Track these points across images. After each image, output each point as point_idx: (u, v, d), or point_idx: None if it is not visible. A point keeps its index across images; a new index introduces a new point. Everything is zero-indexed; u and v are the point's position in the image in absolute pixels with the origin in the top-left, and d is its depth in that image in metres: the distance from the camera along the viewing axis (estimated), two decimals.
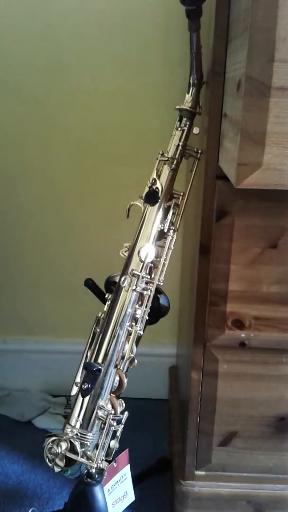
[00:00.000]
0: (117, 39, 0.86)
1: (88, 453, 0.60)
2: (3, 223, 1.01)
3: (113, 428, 0.61)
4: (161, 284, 0.62)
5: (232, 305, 0.62)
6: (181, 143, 0.60)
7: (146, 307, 0.61)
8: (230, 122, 0.50)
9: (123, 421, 0.63)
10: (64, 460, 0.60)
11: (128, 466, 0.68)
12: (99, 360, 0.61)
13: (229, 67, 0.52)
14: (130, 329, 0.61)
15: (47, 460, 0.61)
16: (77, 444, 0.60)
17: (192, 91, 0.59)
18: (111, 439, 0.62)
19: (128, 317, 0.61)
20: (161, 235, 0.62)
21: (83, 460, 0.60)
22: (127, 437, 0.67)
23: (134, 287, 0.60)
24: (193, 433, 0.71)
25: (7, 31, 0.86)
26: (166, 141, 0.61)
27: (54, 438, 0.61)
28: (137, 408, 0.92)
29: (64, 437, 0.60)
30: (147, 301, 0.61)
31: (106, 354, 0.61)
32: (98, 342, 0.62)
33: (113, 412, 0.61)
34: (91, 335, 0.64)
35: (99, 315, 0.64)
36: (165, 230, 0.61)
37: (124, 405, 0.64)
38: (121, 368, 0.61)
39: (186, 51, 0.55)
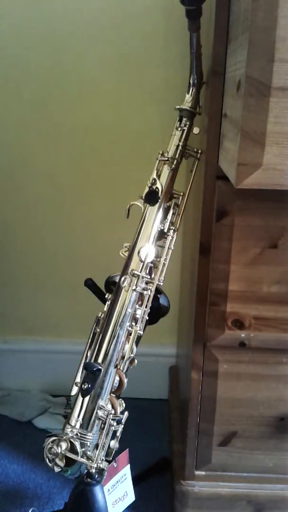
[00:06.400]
0: (117, 39, 0.86)
1: (88, 453, 0.60)
2: (3, 223, 1.01)
3: (113, 428, 0.61)
4: (161, 284, 0.62)
5: (232, 305, 0.62)
6: (181, 143, 0.60)
7: (146, 307, 0.61)
8: (230, 122, 0.50)
9: (123, 421, 0.63)
10: (64, 460, 0.60)
11: (128, 466, 0.68)
12: (99, 360, 0.61)
13: (229, 67, 0.52)
14: (130, 329, 0.61)
15: (47, 460, 0.61)
16: (77, 444, 0.60)
17: (192, 91, 0.59)
18: (111, 439, 0.62)
19: (128, 317, 0.61)
20: (161, 235, 0.62)
21: (83, 460, 0.60)
22: (127, 437, 0.67)
23: (134, 287, 0.60)
24: (193, 433, 0.71)
25: (7, 31, 0.86)
26: (166, 141, 0.61)
27: (54, 438, 0.61)
28: (137, 408, 0.92)
29: (64, 437, 0.60)
30: (147, 301, 0.61)
31: (106, 354, 0.61)
32: (98, 342, 0.62)
33: (113, 412, 0.61)
34: (91, 335, 0.64)
35: (99, 315, 0.64)
36: (165, 230, 0.61)
37: (124, 405, 0.64)
38: (121, 368, 0.61)
39: (186, 51, 0.55)
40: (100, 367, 0.60)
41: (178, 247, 0.94)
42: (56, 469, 0.61)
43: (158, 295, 0.65)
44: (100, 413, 0.60)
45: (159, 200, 0.60)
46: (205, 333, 0.64)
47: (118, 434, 0.62)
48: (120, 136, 0.92)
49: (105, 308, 0.63)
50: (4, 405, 1.06)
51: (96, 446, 0.61)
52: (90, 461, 0.60)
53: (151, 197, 0.60)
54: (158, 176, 0.61)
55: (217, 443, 0.71)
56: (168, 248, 0.62)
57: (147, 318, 0.62)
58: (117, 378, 0.62)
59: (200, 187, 0.61)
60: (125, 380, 0.62)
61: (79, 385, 0.61)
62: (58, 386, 1.08)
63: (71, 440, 0.60)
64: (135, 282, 0.60)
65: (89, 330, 0.64)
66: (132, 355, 0.62)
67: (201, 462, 0.72)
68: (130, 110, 0.90)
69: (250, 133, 0.43)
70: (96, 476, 0.62)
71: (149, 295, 0.61)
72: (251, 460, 0.71)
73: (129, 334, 0.62)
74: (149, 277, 0.61)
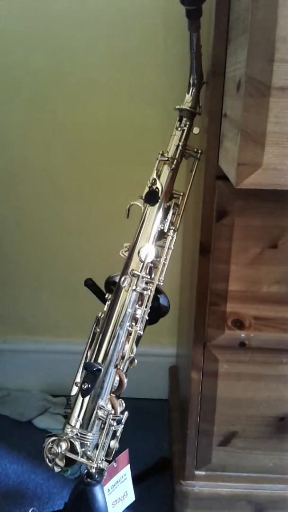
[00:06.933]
0: (117, 39, 0.86)
1: (88, 453, 0.60)
2: (3, 223, 1.01)
3: (113, 428, 0.61)
4: (161, 284, 0.62)
5: (232, 305, 0.62)
6: (181, 143, 0.60)
7: (146, 307, 0.61)
8: (230, 122, 0.50)
9: (123, 421, 0.63)
10: (64, 460, 0.60)
11: (128, 466, 0.68)
12: (99, 360, 0.61)
13: (229, 67, 0.52)
14: (130, 329, 0.61)
15: (47, 460, 0.61)
16: (77, 444, 0.60)
17: (192, 91, 0.59)
18: (111, 439, 0.62)
19: (128, 317, 0.61)
20: (161, 235, 0.62)
21: (83, 460, 0.60)
22: (127, 437, 0.67)
23: (134, 287, 0.60)
24: (193, 433, 0.71)
25: (7, 31, 0.86)
26: (166, 141, 0.61)
27: (54, 438, 0.61)
28: (137, 408, 0.92)
29: (64, 437, 0.60)
30: (147, 301, 0.61)
31: (106, 354, 0.61)
32: (98, 342, 0.62)
33: (113, 412, 0.61)
34: (91, 335, 0.64)
35: (99, 315, 0.64)
36: (165, 230, 0.61)
37: (124, 405, 0.64)
38: (121, 368, 0.61)
39: (186, 51, 0.55)
40: (100, 367, 0.60)
41: (178, 247, 0.94)
42: (56, 469, 0.61)
43: (158, 295, 0.65)
44: (100, 413, 0.60)
45: (159, 200, 0.60)
46: (205, 333, 0.64)
47: (118, 434, 0.62)
48: (120, 136, 0.92)
49: (105, 308, 0.63)
50: (4, 405, 1.06)
51: (96, 446, 0.61)
52: (90, 461, 0.60)
53: (151, 197, 0.60)
54: (158, 176, 0.61)
55: (217, 443, 0.71)
56: (168, 248, 0.62)
57: (147, 318, 0.62)
58: (117, 378, 0.62)
59: (200, 187, 0.61)
60: (125, 380, 0.62)
61: (79, 385, 0.61)
62: (58, 386, 1.08)
63: (71, 440, 0.60)
64: (135, 282, 0.60)
65: (89, 330, 0.64)
66: (132, 355, 0.62)
67: (201, 462, 0.72)
68: (130, 110, 0.90)
69: (250, 133, 0.43)
70: (96, 476, 0.62)
71: (149, 295, 0.61)
72: (251, 460, 0.71)
73: (129, 334, 0.62)
74: (149, 277, 0.61)
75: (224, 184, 0.57)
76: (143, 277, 0.60)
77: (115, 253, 0.62)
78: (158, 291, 0.64)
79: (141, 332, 0.62)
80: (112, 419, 0.61)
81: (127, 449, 0.68)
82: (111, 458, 0.63)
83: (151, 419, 1.02)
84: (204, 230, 0.61)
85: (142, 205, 0.61)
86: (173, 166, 0.60)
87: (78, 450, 0.60)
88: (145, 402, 1.06)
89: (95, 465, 0.60)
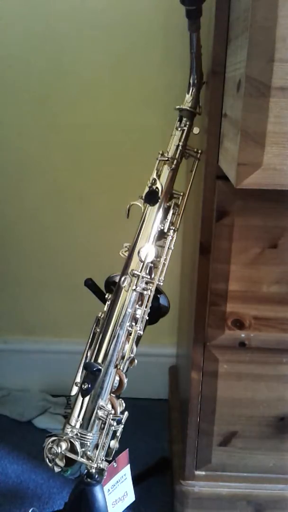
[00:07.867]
0: (117, 39, 0.86)
1: (88, 453, 0.60)
2: (3, 223, 1.01)
3: (113, 428, 0.61)
4: (161, 284, 0.62)
5: (232, 305, 0.62)
6: (181, 143, 0.60)
7: (146, 307, 0.61)
8: (230, 122, 0.50)
9: (123, 421, 0.63)
10: (64, 460, 0.60)
11: (128, 466, 0.68)
12: (99, 360, 0.61)
13: (229, 67, 0.52)
14: (130, 329, 0.61)
15: (47, 460, 0.61)
16: (77, 444, 0.60)
17: (192, 91, 0.59)
18: (111, 439, 0.62)
19: (128, 317, 0.61)
20: (161, 235, 0.62)
21: (83, 460, 0.60)
22: (127, 437, 0.67)
23: (134, 287, 0.60)
24: (193, 433, 0.71)
25: (7, 31, 0.86)
26: (166, 141, 0.61)
27: (54, 438, 0.61)
28: (137, 408, 0.92)
29: (64, 437, 0.60)
30: (147, 301, 0.61)
31: (106, 354, 0.61)
32: (98, 342, 0.62)
33: (113, 412, 0.61)
34: (91, 335, 0.64)
35: (99, 315, 0.64)
36: (165, 230, 0.61)
37: (124, 405, 0.64)
38: (121, 368, 0.61)
39: (186, 51, 0.55)
40: (100, 367, 0.60)
41: (178, 247, 0.94)
42: (56, 469, 0.61)
43: (158, 295, 0.65)
44: (100, 413, 0.60)
45: (159, 200, 0.60)
46: (205, 333, 0.64)
47: (118, 434, 0.62)
48: (120, 136, 0.92)
49: (105, 308, 0.63)
50: (4, 405, 1.06)
51: (96, 446, 0.61)
52: (90, 461, 0.60)
53: (151, 197, 0.60)
54: (158, 176, 0.61)
55: (217, 443, 0.71)
56: (168, 248, 0.62)
57: (147, 318, 0.62)
58: (117, 378, 0.62)
59: (200, 187, 0.61)
60: (125, 380, 0.62)
61: (79, 385, 0.61)
62: (58, 386, 1.08)
63: (71, 440, 0.60)
64: (135, 282, 0.60)
65: (89, 330, 0.64)
66: (132, 355, 0.62)
67: (201, 462, 0.72)
68: (130, 110, 0.90)
69: (250, 133, 0.43)
70: (96, 476, 0.62)
71: (149, 295, 0.61)
72: (251, 460, 0.71)
73: (129, 334, 0.62)
74: (149, 277, 0.61)
75: (224, 184, 0.57)
76: (143, 277, 0.60)
77: (115, 253, 0.62)
78: (158, 291, 0.64)
79: (141, 332, 0.62)
80: (112, 419, 0.61)
81: (127, 449, 0.68)
82: (111, 458, 0.63)
83: (151, 419, 1.02)
84: (204, 230, 0.61)
85: (142, 205, 0.61)
86: (173, 166, 0.60)
87: (78, 450, 0.60)
88: (145, 402, 1.06)
89: (95, 465, 0.60)
